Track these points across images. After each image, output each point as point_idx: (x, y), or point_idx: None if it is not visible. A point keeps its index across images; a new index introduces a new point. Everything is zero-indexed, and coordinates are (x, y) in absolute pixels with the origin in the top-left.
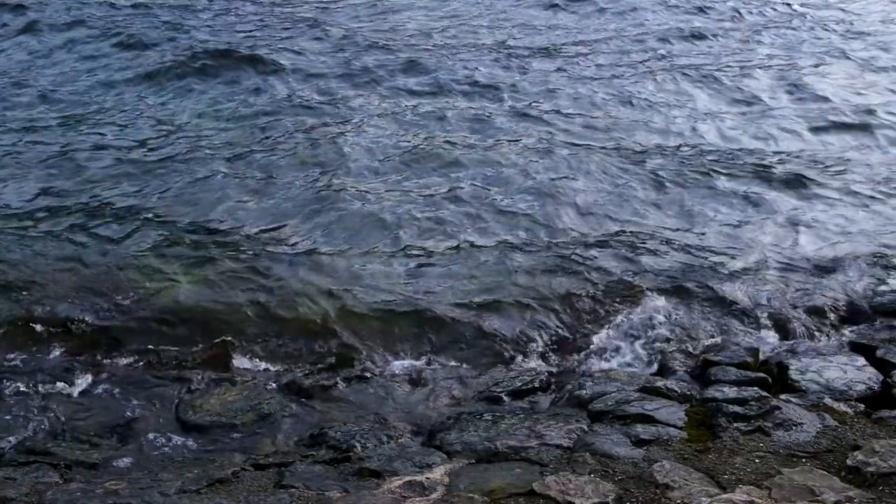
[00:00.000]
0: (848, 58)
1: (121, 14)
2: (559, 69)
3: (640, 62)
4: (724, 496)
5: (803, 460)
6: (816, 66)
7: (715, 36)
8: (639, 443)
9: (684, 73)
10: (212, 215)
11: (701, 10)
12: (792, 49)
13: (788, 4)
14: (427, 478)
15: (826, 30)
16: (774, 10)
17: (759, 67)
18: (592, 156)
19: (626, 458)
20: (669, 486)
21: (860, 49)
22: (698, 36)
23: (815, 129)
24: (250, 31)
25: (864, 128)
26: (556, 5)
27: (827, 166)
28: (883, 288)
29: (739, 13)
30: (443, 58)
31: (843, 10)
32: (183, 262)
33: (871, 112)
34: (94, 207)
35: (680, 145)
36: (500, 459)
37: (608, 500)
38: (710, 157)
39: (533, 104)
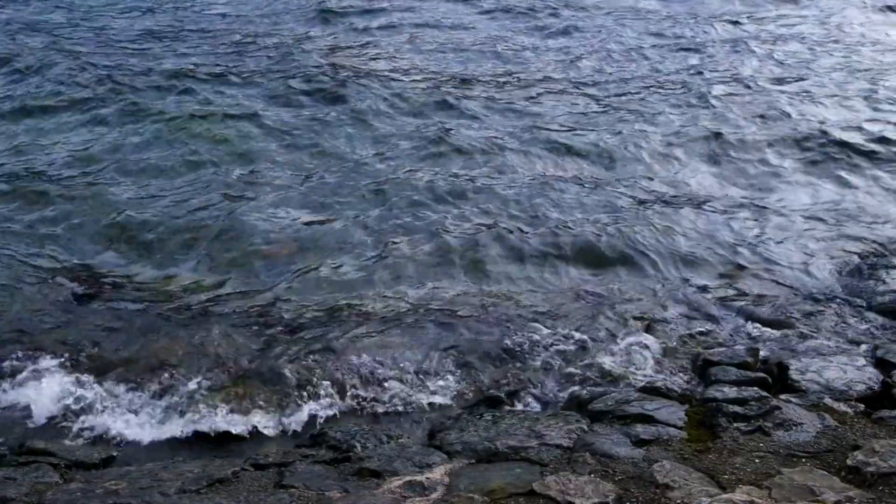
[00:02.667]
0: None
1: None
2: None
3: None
4: (724, 496)
5: (803, 460)
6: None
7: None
8: (639, 443)
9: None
10: (191, 226)
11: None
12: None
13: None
14: (427, 478)
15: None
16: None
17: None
18: (571, 173)
19: (626, 458)
20: (669, 486)
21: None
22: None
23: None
24: (182, 48)
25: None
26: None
27: (823, 170)
28: (883, 288)
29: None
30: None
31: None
32: (178, 264)
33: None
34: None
35: (668, 149)
36: (500, 459)
37: (608, 500)
38: (702, 161)
39: (490, 126)
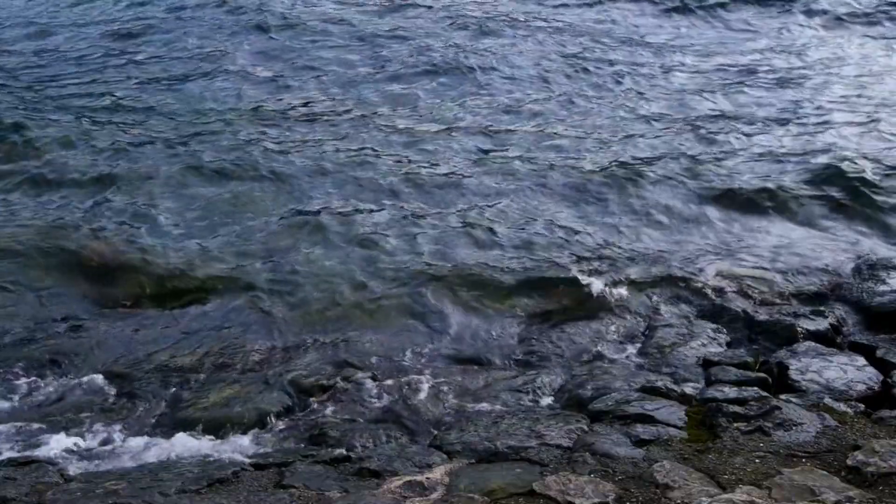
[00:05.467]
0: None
1: None
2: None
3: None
4: (724, 496)
5: (803, 460)
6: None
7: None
8: (639, 443)
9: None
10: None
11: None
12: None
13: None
14: (427, 478)
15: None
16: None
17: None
18: (571, 172)
19: (626, 458)
20: (669, 486)
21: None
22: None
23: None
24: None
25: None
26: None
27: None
28: (883, 288)
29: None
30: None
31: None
32: (178, 263)
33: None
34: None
35: (672, 157)
36: (500, 459)
37: (608, 500)
38: (700, 165)
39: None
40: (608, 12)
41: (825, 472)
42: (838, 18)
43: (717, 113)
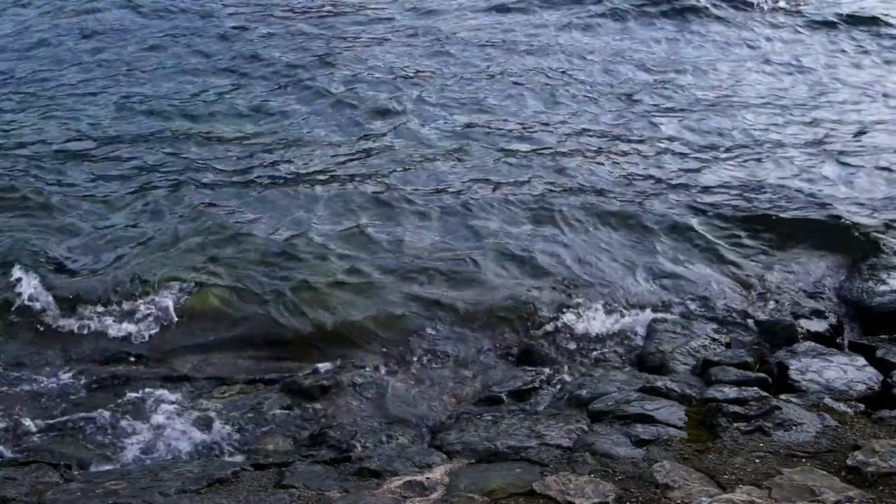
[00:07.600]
0: None
1: None
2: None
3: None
4: (724, 496)
5: (803, 460)
6: None
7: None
8: (639, 443)
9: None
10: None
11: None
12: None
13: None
14: (427, 478)
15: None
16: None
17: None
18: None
19: (626, 458)
20: (669, 486)
21: None
22: None
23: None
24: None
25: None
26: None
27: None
28: (883, 288)
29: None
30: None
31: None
32: (180, 264)
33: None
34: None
35: (658, 174)
36: (500, 459)
37: (608, 500)
38: (683, 183)
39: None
40: (566, 25)
41: (825, 472)
42: (812, 25)
43: (697, 134)
